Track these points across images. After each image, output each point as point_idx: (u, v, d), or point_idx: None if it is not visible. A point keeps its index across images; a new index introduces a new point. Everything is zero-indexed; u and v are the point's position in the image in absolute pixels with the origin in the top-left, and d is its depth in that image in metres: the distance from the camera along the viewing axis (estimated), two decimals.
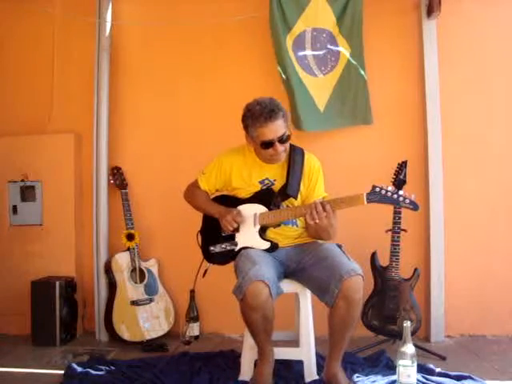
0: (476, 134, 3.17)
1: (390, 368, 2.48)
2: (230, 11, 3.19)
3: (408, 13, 3.19)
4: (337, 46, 3.08)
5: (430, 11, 3.04)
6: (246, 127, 2.37)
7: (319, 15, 3.06)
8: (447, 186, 3.10)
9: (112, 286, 3.18)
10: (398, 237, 2.81)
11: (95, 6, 3.26)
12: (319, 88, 3.10)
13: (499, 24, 3.18)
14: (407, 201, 2.13)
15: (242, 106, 2.38)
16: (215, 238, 2.50)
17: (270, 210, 2.40)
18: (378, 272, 2.86)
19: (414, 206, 2.14)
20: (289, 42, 3.08)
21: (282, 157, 2.39)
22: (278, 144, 2.31)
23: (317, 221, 2.22)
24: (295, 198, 2.43)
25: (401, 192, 2.16)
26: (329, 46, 3.09)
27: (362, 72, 3.08)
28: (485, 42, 3.17)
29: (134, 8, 3.40)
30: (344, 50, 3.09)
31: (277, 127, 2.29)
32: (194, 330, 3.13)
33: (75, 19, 3.26)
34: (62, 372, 2.53)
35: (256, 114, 2.28)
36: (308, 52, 3.08)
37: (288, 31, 3.07)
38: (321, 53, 3.08)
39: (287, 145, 2.39)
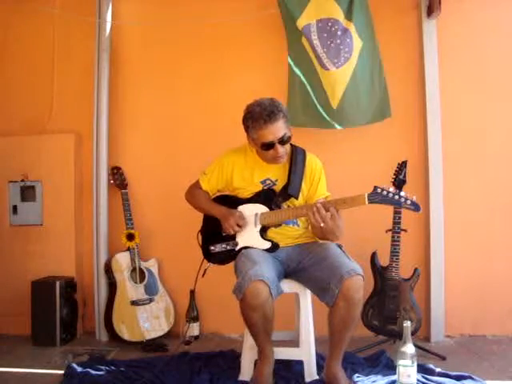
0: (476, 133, 3.17)
1: (390, 368, 2.48)
2: (230, 11, 3.19)
3: (408, 13, 3.19)
4: (350, 36, 2.97)
5: (430, 11, 3.04)
6: (246, 128, 2.36)
7: (322, 7, 2.97)
8: (447, 186, 3.10)
9: (112, 285, 3.18)
10: (398, 237, 2.81)
11: (95, 6, 3.27)
12: (331, 82, 2.99)
13: (499, 24, 3.17)
14: (409, 202, 2.11)
15: (243, 105, 2.38)
16: (216, 238, 2.50)
17: (271, 209, 2.40)
18: (378, 272, 2.86)
19: (416, 207, 2.12)
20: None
21: (283, 158, 2.38)
22: (278, 145, 2.30)
23: (322, 224, 2.18)
24: (296, 197, 2.42)
25: (402, 193, 2.13)
26: (340, 34, 2.95)
27: (378, 63, 3.01)
28: (485, 41, 3.16)
29: (134, 8, 3.40)
30: (357, 41, 2.98)
31: (277, 129, 2.28)
32: (194, 329, 3.13)
33: (75, 19, 3.26)
34: (62, 372, 2.53)
35: (256, 116, 2.28)
36: (316, 42, 2.96)
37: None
38: (332, 44, 2.95)
39: (288, 146, 2.39)
